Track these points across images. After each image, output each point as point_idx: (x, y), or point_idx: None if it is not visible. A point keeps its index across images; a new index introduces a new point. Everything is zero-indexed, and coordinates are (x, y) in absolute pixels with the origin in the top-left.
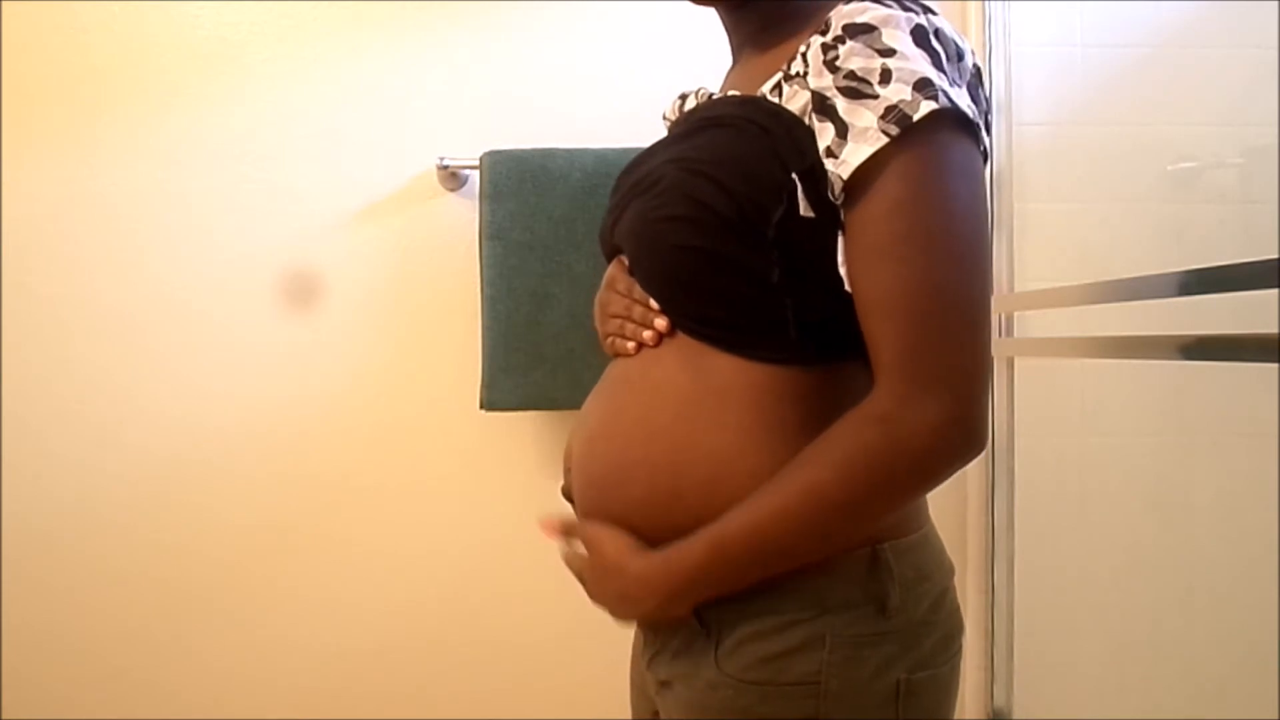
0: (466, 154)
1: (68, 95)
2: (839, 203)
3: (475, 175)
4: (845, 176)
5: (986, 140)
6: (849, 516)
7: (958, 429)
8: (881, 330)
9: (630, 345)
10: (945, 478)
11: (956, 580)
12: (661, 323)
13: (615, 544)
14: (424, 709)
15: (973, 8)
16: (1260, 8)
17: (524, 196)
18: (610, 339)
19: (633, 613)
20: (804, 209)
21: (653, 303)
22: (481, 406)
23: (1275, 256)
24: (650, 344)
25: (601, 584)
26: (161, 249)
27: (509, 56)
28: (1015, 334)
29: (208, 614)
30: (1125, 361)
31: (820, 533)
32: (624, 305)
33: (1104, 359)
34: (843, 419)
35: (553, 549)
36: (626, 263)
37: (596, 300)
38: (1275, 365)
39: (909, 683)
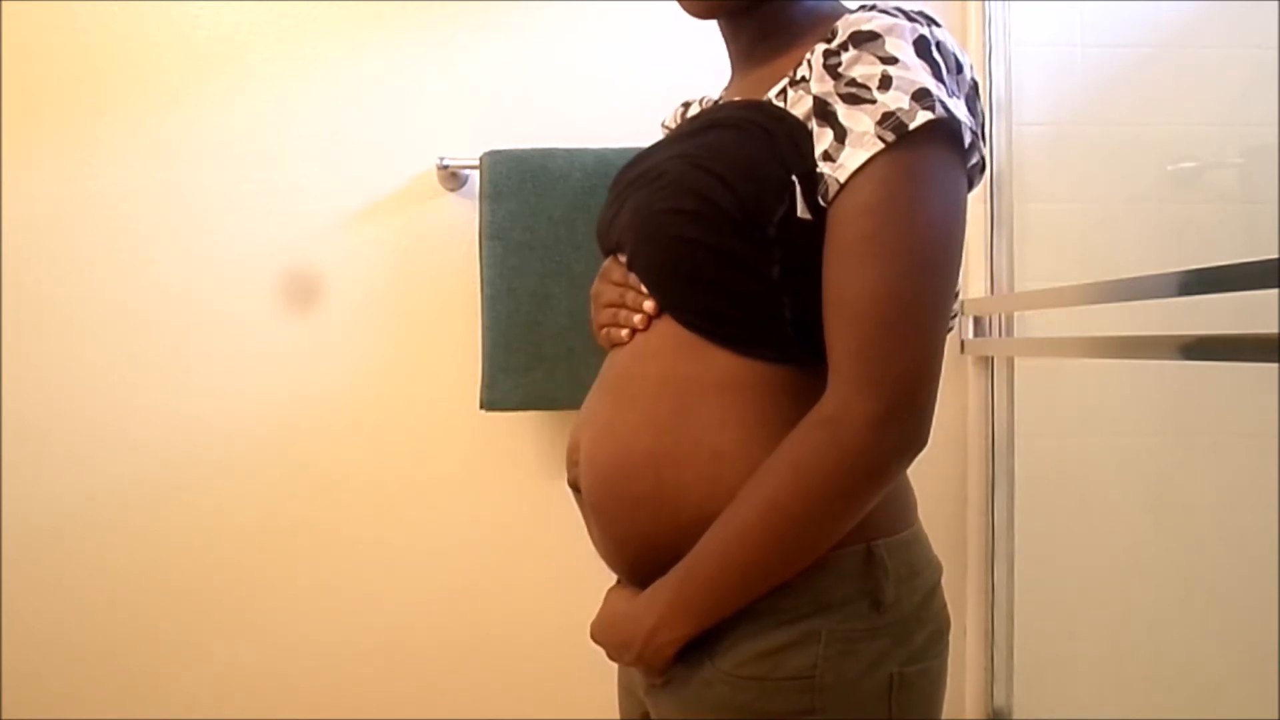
0: (466, 154)
1: (68, 95)
2: (827, 205)
3: (475, 175)
4: (842, 180)
5: (982, 150)
6: (806, 523)
7: (894, 427)
8: (834, 331)
9: (624, 333)
10: (891, 476)
11: (956, 580)
12: (649, 304)
13: (612, 600)
14: (423, 708)
15: (973, 8)
16: (1260, 8)
17: (524, 196)
18: (604, 329)
19: (631, 655)
20: (801, 211)
21: (643, 288)
22: (481, 406)
23: (1275, 256)
24: (640, 328)
25: (607, 636)
26: (162, 249)
27: (509, 56)
28: (1015, 334)
29: (207, 613)
30: (1125, 361)
31: (783, 543)
32: (617, 294)
33: (1104, 359)
34: (799, 425)
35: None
36: (624, 260)
37: (591, 291)
38: (1275, 365)
39: (902, 676)
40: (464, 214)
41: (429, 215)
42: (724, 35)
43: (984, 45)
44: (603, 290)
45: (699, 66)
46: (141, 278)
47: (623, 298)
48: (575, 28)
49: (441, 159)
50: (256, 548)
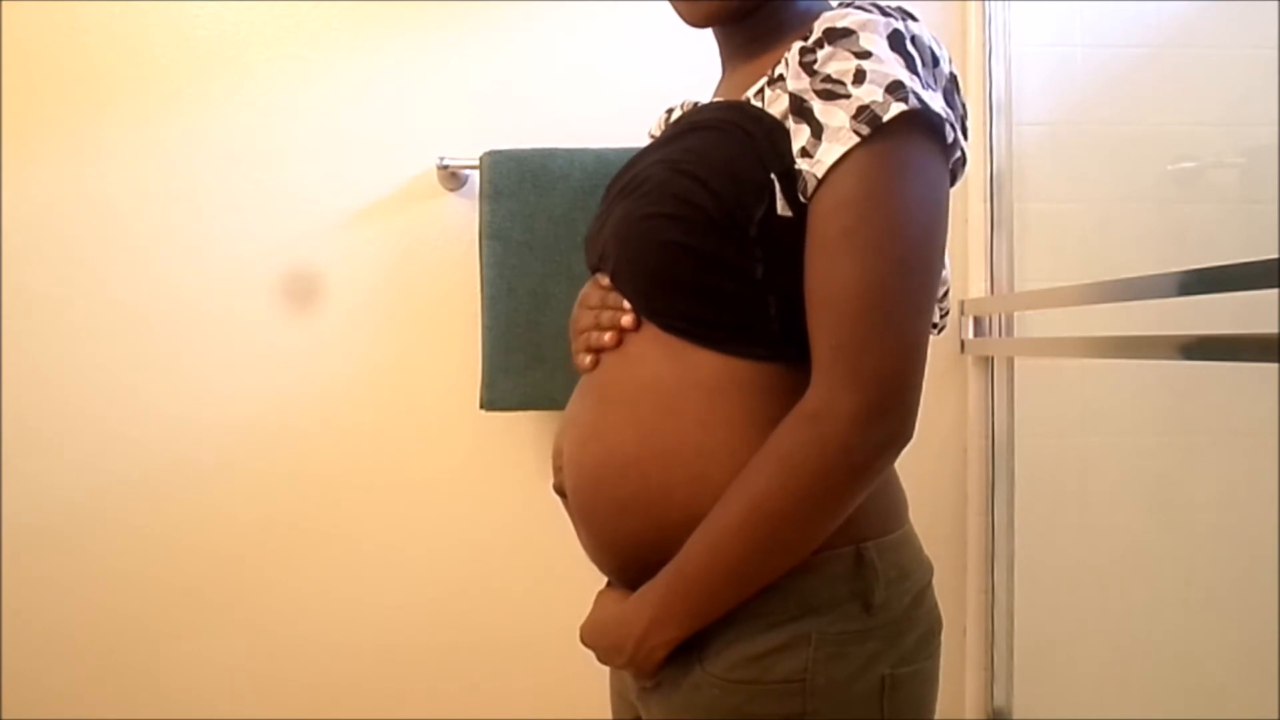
0: (466, 154)
1: (68, 95)
2: (807, 200)
3: (475, 175)
4: (820, 175)
5: (964, 144)
6: (792, 520)
7: (878, 421)
8: (816, 326)
9: (588, 359)
10: (876, 471)
11: (956, 580)
12: (627, 319)
13: (601, 602)
14: (420, 707)
15: (973, 8)
16: (1260, 8)
17: (524, 196)
18: (579, 355)
19: (622, 659)
20: (781, 208)
21: (625, 303)
22: (481, 406)
23: (1275, 256)
24: (611, 345)
25: (598, 639)
26: (162, 249)
27: (509, 56)
28: (1015, 334)
29: (207, 613)
30: (1125, 361)
31: (770, 541)
32: (592, 317)
33: (1104, 359)
34: (782, 421)
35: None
36: (604, 281)
37: (570, 321)
38: (1275, 365)
39: (893, 678)
40: (464, 214)
41: (429, 215)
42: (717, 38)
43: (984, 45)
44: (580, 316)
45: (699, 66)
46: (142, 277)
47: (598, 318)
48: (575, 28)
49: (441, 159)
50: (256, 547)
